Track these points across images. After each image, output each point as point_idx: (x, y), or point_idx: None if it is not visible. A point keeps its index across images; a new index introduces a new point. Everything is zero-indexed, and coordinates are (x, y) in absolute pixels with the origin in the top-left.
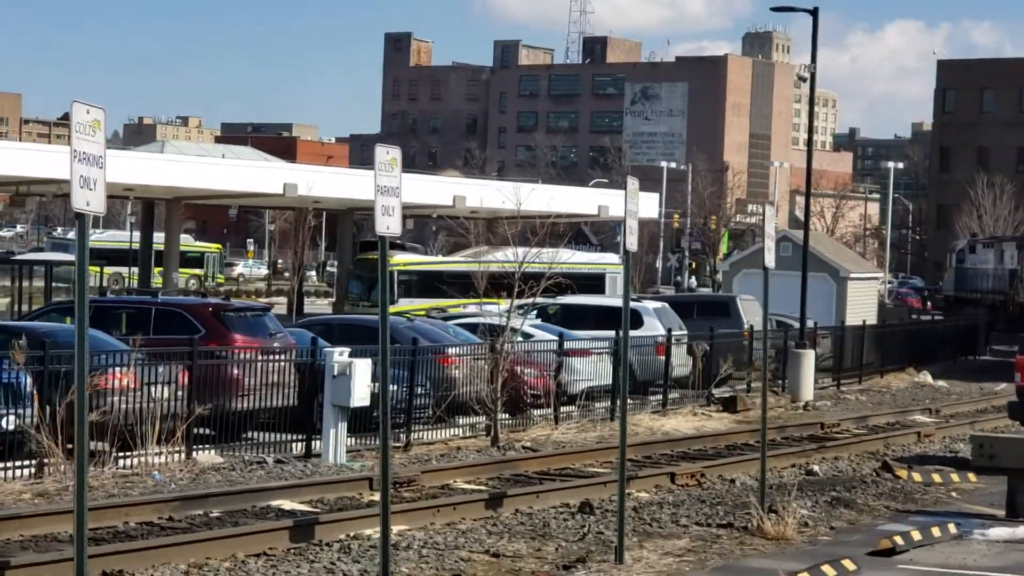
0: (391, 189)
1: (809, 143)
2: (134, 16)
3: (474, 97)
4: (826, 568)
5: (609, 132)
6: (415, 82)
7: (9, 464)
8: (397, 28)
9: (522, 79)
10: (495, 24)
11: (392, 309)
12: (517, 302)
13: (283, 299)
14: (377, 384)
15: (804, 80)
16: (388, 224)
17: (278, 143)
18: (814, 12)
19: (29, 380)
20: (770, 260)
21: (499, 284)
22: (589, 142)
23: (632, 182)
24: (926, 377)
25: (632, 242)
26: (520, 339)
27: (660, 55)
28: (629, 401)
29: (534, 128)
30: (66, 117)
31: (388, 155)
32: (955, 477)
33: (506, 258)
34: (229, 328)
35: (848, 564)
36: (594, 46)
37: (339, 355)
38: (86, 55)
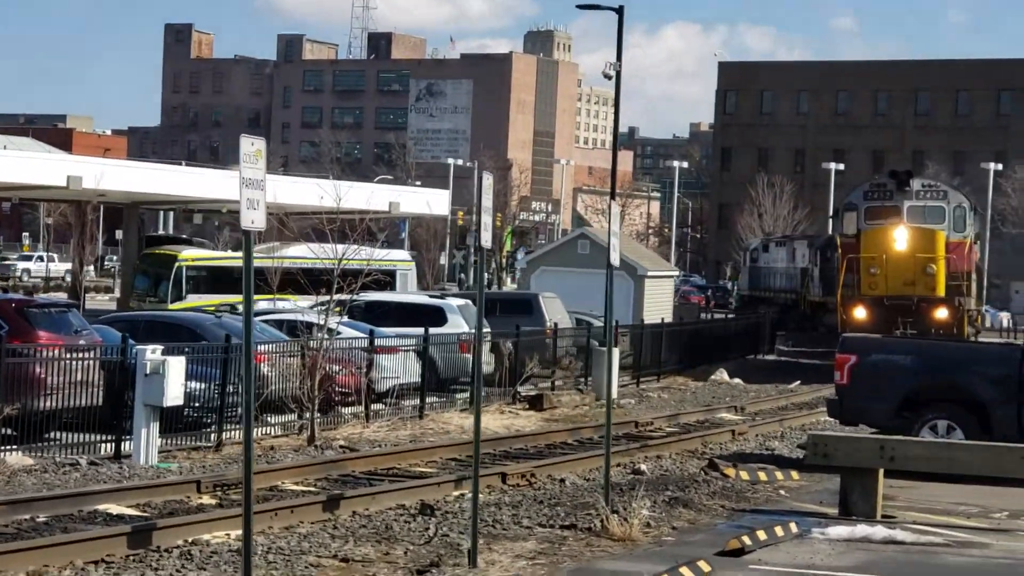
0: (256, 182)
1: (614, 143)
2: None
3: (257, 91)
4: (684, 570)
5: (394, 128)
6: (196, 74)
7: None
8: (177, 19)
9: (306, 74)
10: (278, 18)
11: (178, 306)
12: (320, 299)
13: (62, 295)
14: (191, 383)
15: (609, 78)
16: (253, 218)
17: (54, 135)
18: (619, 10)
19: None
20: (615, 258)
21: (293, 281)
22: (374, 138)
23: (487, 178)
24: (722, 375)
25: (486, 238)
26: (321, 336)
27: (444, 52)
28: (434, 399)
29: (319, 123)
30: None
31: (253, 147)
32: (779, 475)
33: (299, 254)
34: (33, 325)
35: (703, 565)
36: (379, 42)
37: (152, 353)
38: None
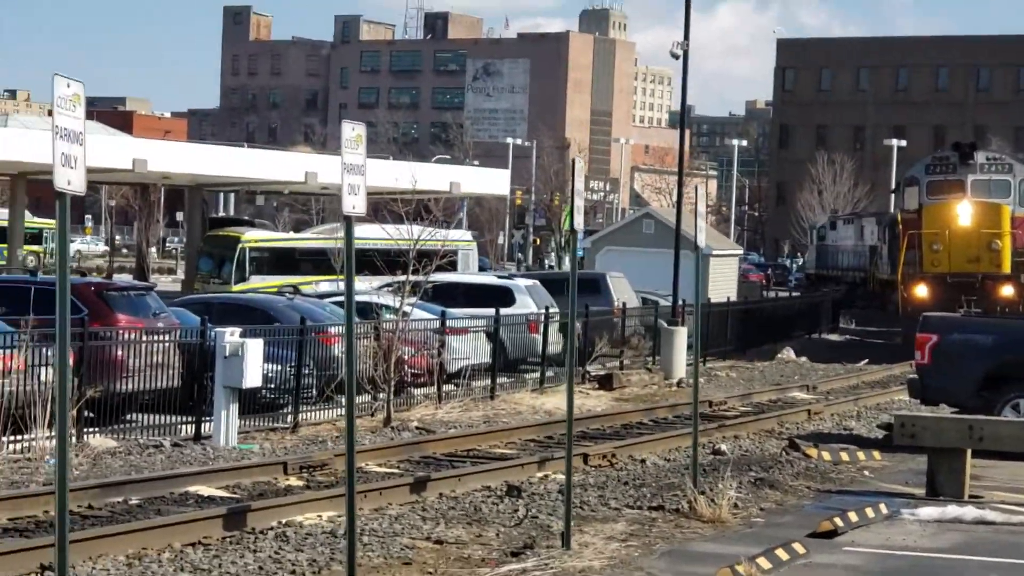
0: (357, 167)
1: (681, 123)
2: None
3: (315, 72)
4: (779, 552)
5: (451, 108)
6: (254, 56)
7: None
8: (236, 1)
9: (363, 55)
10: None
11: (241, 287)
12: (395, 280)
13: (128, 277)
14: (267, 364)
15: (677, 57)
16: (354, 204)
17: (114, 117)
18: None
19: None
20: (702, 240)
21: (365, 261)
22: (431, 118)
23: (579, 161)
24: (789, 354)
25: (579, 221)
26: (392, 318)
27: (499, 32)
28: (504, 379)
29: (375, 104)
30: None
31: (354, 132)
32: (861, 455)
33: (370, 234)
34: (112, 308)
35: (798, 547)
36: (435, 22)
37: (231, 335)
38: None
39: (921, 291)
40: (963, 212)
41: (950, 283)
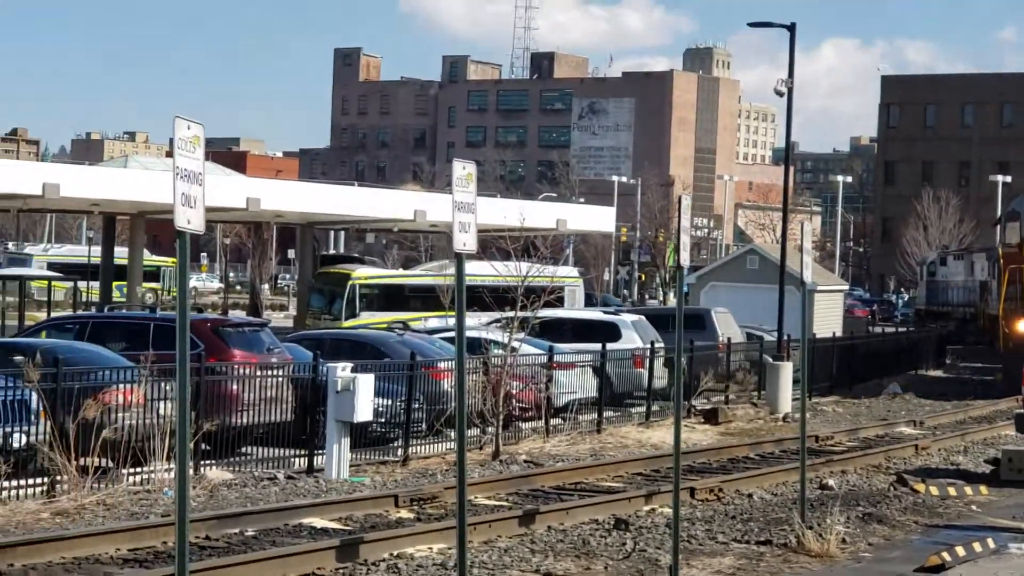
0: (467, 205)
1: (786, 160)
2: (76, 30)
3: (423, 111)
4: None
5: (557, 147)
6: (364, 97)
7: (21, 483)
8: (346, 44)
9: (470, 94)
10: (443, 40)
11: (351, 323)
12: (503, 316)
13: (241, 313)
14: (378, 399)
15: (781, 95)
16: (465, 241)
17: (228, 157)
18: (791, 27)
19: (35, 397)
20: (808, 275)
21: (474, 297)
22: (537, 156)
23: (686, 199)
24: (895, 389)
25: (685, 257)
26: (500, 353)
27: (604, 71)
28: (610, 413)
29: (482, 143)
30: (14, 132)
31: (464, 170)
32: (968, 490)
33: (479, 271)
34: (228, 344)
35: None
36: (541, 61)
37: (342, 370)
38: (24, 71)
39: (1022, 327)
40: None
41: None
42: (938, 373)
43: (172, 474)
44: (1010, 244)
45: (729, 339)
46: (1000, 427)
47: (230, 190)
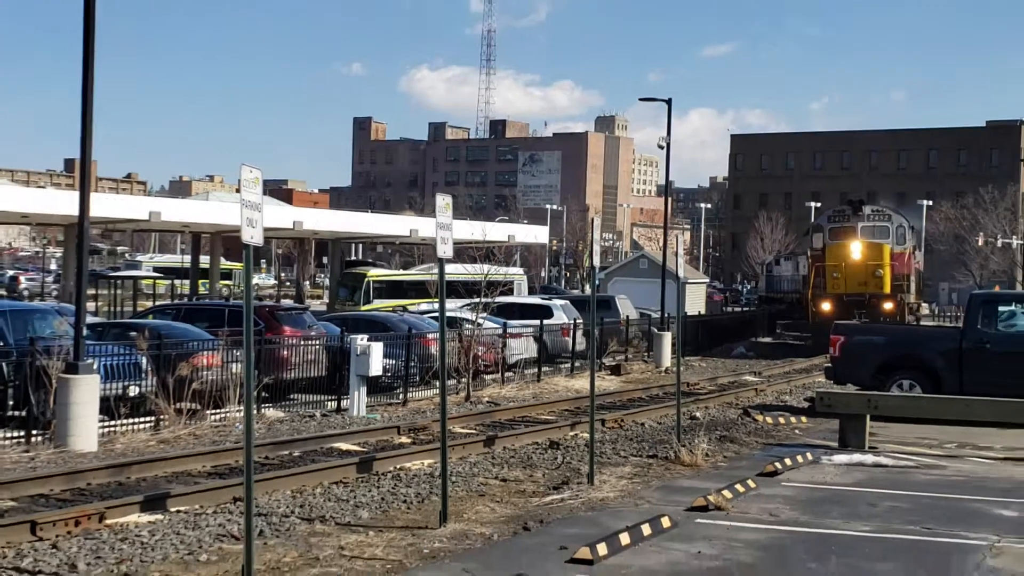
0: (446, 225)
1: (666, 193)
2: (176, 98)
3: (415, 161)
4: (738, 486)
5: (508, 185)
6: (374, 151)
7: (135, 421)
8: (362, 114)
9: (447, 149)
10: (428, 111)
11: (367, 307)
12: (472, 301)
13: (289, 301)
14: (387, 360)
15: (662, 148)
16: (445, 250)
17: (279, 192)
18: (668, 101)
19: (145, 360)
20: (681, 270)
21: (452, 289)
22: (494, 192)
23: (597, 219)
24: (741, 351)
25: (597, 261)
26: (470, 327)
27: (540, 132)
28: (546, 368)
29: (456, 182)
30: (129, 176)
31: (444, 202)
32: (793, 420)
33: (455, 270)
34: (280, 322)
35: (751, 483)
36: (497, 126)
37: (361, 340)
38: (134, 128)
39: (825, 306)
40: (855, 250)
41: (846, 301)
42: (769, 340)
43: (241, 413)
44: (816, 248)
45: (627, 316)
46: (814, 376)
47: (281, 215)
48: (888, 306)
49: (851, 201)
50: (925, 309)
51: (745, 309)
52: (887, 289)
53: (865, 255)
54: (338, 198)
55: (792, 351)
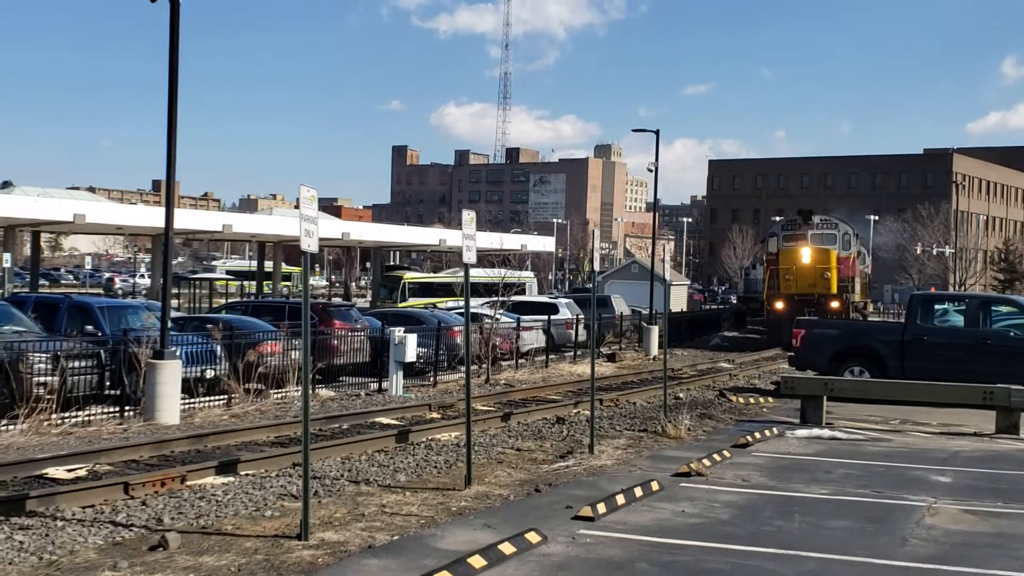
0: (470, 236)
1: (654, 209)
2: (241, 120)
3: (443, 183)
4: (715, 456)
5: (521, 203)
6: (410, 173)
7: (211, 399)
8: (399, 142)
9: (470, 171)
10: (454, 140)
11: (403, 305)
12: (491, 300)
13: (338, 299)
14: (420, 348)
15: (650, 171)
16: (469, 257)
17: (331, 208)
18: (656, 132)
19: (219, 348)
20: (667, 273)
21: (474, 290)
22: (509, 208)
23: (597, 231)
24: (717, 342)
25: (597, 266)
26: (489, 321)
27: (548, 158)
28: (553, 356)
29: (478, 200)
30: (205, 195)
31: (468, 216)
32: (761, 400)
33: (474, 274)
34: (331, 316)
35: (726, 453)
36: (512, 152)
37: (398, 332)
38: (201, 148)
39: (779, 305)
40: (805, 254)
41: (797, 299)
42: (736, 334)
43: (299, 393)
44: (771, 253)
45: (622, 313)
46: (780, 363)
47: (332, 228)
48: (835, 305)
49: (801, 211)
50: (872, 308)
51: (721, 307)
52: (834, 289)
53: (814, 259)
54: (379, 213)
55: (756, 343)
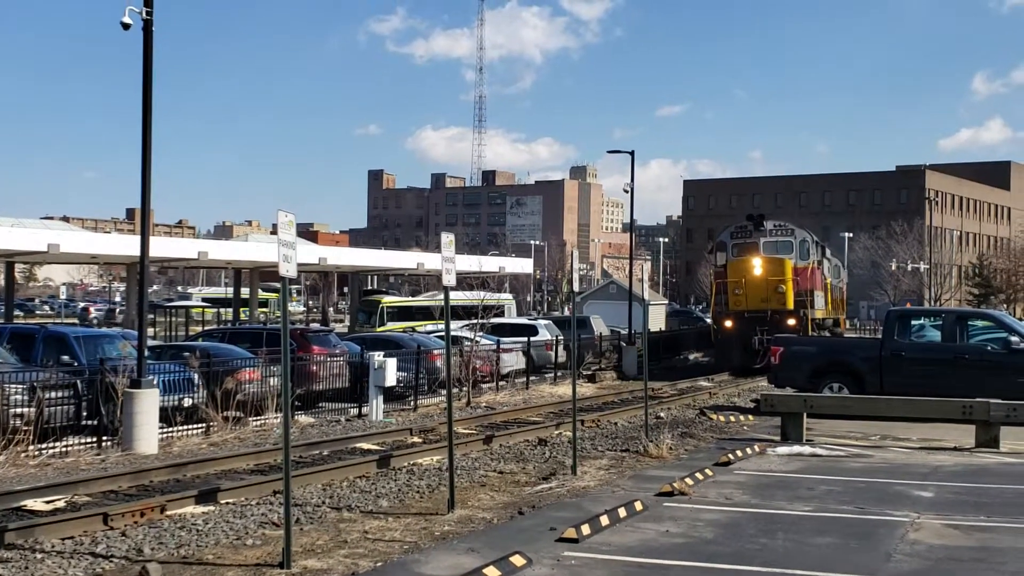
0: (450, 258)
1: (631, 229)
2: (215, 146)
3: (420, 206)
4: (697, 475)
5: (498, 225)
6: (386, 197)
7: (189, 427)
8: (375, 166)
9: (447, 195)
10: (430, 163)
11: (381, 329)
12: (470, 322)
13: (316, 325)
14: (399, 372)
15: (626, 192)
16: (449, 279)
17: (308, 233)
18: (632, 153)
19: (196, 376)
20: (646, 294)
21: (453, 312)
22: (487, 230)
23: (575, 253)
24: (697, 359)
25: (575, 286)
26: (469, 344)
27: (524, 180)
28: (534, 377)
29: (456, 223)
30: (180, 223)
31: (447, 239)
32: (742, 418)
33: (452, 296)
34: (310, 342)
35: (708, 471)
36: (488, 175)
37: (378, 356)
38: (174, 174)
39: (728, 323)
40: (756, 265)
41: (747, 317)
42: (697, 356)
43: (278, 420)
44: (719, 265)
45: (601, 333)
46: (758, 381)
47: (309, 253)
48: (791, 322)
49: (752, 216)
50: (846, 324)
51: (699, 326)
52: (790, 305)
53: (766, 270)
54: (356, 237)
55: (708, 367)
